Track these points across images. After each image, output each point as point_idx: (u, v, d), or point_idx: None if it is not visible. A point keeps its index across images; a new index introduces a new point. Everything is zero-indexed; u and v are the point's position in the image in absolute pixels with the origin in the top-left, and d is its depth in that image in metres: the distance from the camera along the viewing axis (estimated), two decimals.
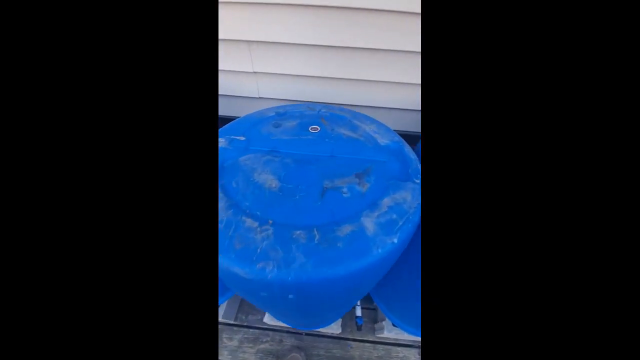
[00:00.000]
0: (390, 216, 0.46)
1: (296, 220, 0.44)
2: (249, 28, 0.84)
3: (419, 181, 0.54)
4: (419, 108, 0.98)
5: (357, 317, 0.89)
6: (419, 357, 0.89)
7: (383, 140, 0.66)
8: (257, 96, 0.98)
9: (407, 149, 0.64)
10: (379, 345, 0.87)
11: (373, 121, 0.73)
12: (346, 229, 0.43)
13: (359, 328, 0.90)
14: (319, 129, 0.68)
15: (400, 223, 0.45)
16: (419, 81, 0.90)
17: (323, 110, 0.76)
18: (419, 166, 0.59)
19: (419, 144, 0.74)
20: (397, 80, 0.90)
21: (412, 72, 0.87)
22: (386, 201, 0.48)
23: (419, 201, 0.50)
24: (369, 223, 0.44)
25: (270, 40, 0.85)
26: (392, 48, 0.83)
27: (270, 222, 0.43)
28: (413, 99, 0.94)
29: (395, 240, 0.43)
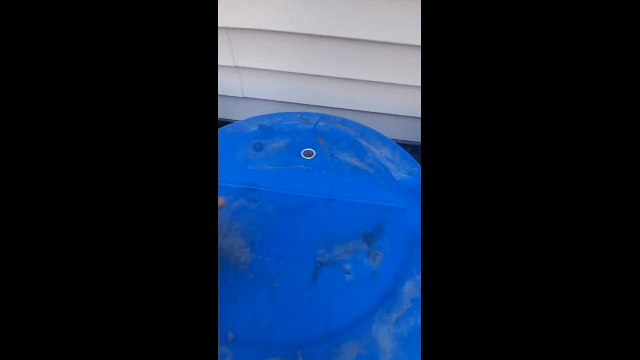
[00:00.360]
0: (416, 319, 0.30)
1: (271, 334, 0.28)
2: (228, 11, 0.65)
3: None
4: None
5: None
6: None
7: (399, 174, 0.50)
8: (242, 96, 0.81)
9: None
10: None
11: (385, 141, 0.56)
12: (350, 350, 0.27)
13: None
14: (315, 154, 0.51)
15: None
16: None
17: (321, 125, 0.59)
18: None
19: None
20: (411, 83, 0.73)
21: None
22: (408, 289, 0.33)
23: None
24: (385, 336, 0.29)
25: (255, 28, 0.66)
26: (406, 42, 0.65)
27: (231, 336, 0.28)
28: None
29: None
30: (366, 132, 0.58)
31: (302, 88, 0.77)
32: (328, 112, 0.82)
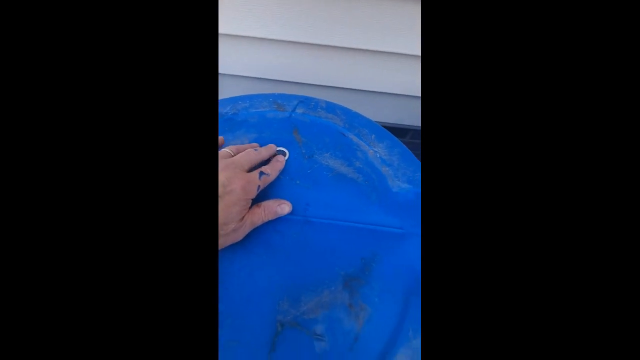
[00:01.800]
0: None
1: None
2: None
3: None
4: None
5: None
6: None
7: (397, 182, 0.41)
8: None
9: None
10: None
11: (381, 134, 0.48)
12: None
13: None
14: (288, 154, 0.43)
15: None
16: None
17: (299, 112, 0.49)
18: None
19: None
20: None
21: None
22: None
23: None
24: None
25: None
26: None
27: None
28: None
29: None
30: (356, 121, 0.49)
31: (289, 62, 0.67)
32: (319, 92, 0.72)
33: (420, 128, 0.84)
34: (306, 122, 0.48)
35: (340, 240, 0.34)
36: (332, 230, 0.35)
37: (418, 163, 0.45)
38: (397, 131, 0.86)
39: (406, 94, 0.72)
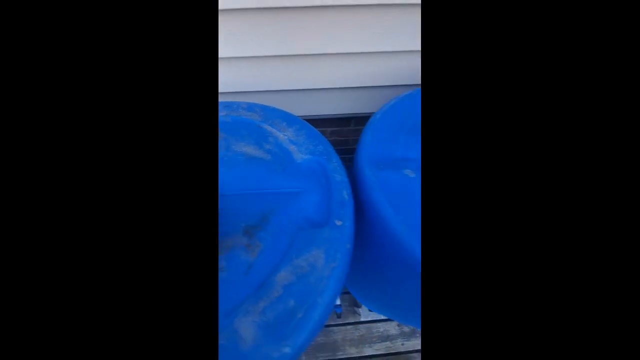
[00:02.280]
0: (285, 305, 0.33)
1: None
2: None
3: (342, 222, 0.41)
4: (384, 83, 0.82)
5: (335, 305, 0.92)
6: (399, 328, 0.95)
7: (300, 155, 0.52)
8: None
9: (334, 164, 0.50)
10: (360, 325, 0.97)
11: (291, 121, 0.58)
12: None
13: (338, 316, 0.97)
14: None
15: (300, 315, 0.33)
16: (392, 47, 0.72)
17: (222, 114, 0.60)
18: (347, 193, 0.45)
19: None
20: (372, 50, 0.72)
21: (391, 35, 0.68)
22: (283, 277, 0.36)
23: (337, 263, 0.37)
24: (248, 326, 0.32)
25: None
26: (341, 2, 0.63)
27: None
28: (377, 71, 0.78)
29: (288, 350, 0.31)
30: (272, 114, 0.60)
31: (249, 73, 0.76)
32: (268, 96, 0.82)
33: (360, 115, 0.95)
34: (228, 122, 0.59)
35: (246, 203, 0.44)
36: (240, 199, 0.45)
37: (321, 138, 0.55)
38: (343, 120, 0.96)
39: (347, 86, 0.83)
